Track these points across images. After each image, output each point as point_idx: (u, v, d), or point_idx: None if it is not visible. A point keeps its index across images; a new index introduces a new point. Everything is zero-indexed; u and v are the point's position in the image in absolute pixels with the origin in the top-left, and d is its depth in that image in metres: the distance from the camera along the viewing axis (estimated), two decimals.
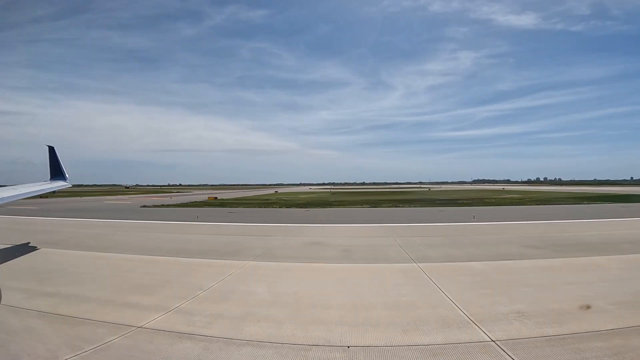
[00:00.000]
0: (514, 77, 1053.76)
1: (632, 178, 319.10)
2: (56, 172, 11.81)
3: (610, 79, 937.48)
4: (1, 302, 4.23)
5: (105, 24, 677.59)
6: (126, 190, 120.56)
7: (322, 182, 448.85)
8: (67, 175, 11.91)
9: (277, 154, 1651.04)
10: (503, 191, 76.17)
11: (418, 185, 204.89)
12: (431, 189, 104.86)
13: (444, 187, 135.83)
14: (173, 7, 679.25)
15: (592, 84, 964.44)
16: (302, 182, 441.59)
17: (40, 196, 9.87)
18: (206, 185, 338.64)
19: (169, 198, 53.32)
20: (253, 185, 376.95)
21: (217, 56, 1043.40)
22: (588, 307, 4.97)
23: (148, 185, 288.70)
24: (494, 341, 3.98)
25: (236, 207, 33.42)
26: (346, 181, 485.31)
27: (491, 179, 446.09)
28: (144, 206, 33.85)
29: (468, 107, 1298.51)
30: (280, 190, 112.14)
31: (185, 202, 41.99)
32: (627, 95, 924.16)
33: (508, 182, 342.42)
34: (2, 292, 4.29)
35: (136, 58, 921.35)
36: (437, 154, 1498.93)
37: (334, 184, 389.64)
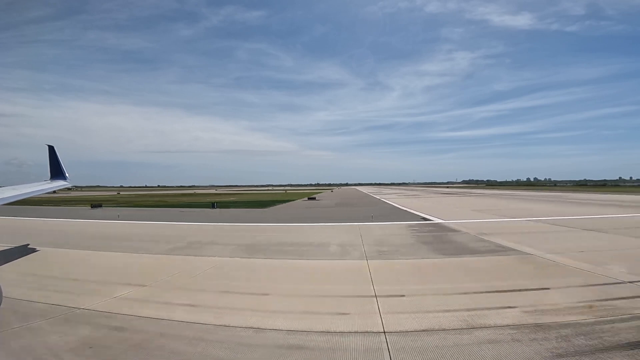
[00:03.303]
0: (511, 78, 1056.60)
1: (620, 178, 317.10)
2: (56, 171, 11.84)
3: (607, 79, 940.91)
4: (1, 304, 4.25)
5: (102, 25, 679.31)
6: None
7: (310, 183, 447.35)
8: (67, 175, 11.93)
9: (275, 155, 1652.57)
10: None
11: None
12: (287, 191, 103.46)
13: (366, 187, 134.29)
14: (169, 8, 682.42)
15: (588, 84, 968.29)
16: (296, 184, 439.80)
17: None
18: (194, 186, 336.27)
19: None
20: (243, 186, 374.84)
21: (214, 57, 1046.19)
22: None
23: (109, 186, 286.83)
24: None
25: None
26: (347, 182, 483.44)
27: (480, 179, 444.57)
28: None
29: (465, 108, 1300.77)
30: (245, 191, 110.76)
31: None
32: (623, 95, 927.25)
33: (488, 182, 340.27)
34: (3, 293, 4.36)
35: (133, 59, 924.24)
36: (435, 154, 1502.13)
37: (318, 184, 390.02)
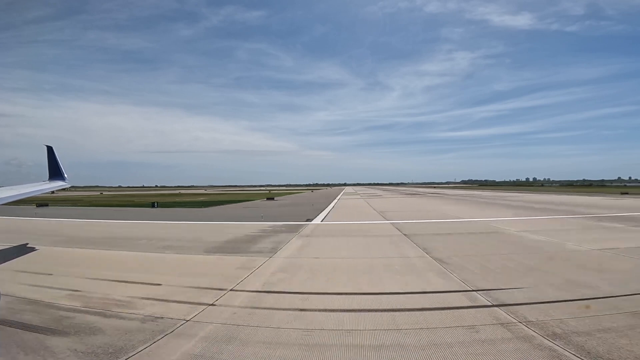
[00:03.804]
0: (511, 78, 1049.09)
1: (619, 178, 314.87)
2: (55, 172, 11.88)
3: (607, 79, 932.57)
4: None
5: (102, 25, 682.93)
6: None
7: (309, 183, 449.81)
8: (65, 176, 11.99)
9: (275, 155, 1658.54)
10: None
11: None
12: (270, 191, 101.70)
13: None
14: (169, 8, 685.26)
15: (588, 84, 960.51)
16: (295, 184, 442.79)
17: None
18: (187, 186, 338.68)
19: None
20: (238, 186, 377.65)
21: (214, 57, 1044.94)
22: None
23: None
24: None
25: None
26: (345, 182, 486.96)
27: (480, 179, 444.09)
28: None
29: (465, 108, 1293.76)
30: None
31: None
32: (623, 95, 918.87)
33: (481, 183, 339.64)
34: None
35: (133, 59, 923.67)
36: (435, 154, 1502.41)
37: (317, 184, 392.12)
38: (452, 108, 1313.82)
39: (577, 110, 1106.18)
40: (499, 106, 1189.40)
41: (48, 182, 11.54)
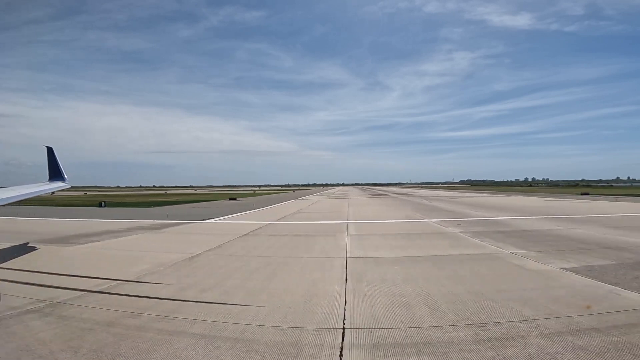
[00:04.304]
0: (511, 78, 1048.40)
1: (617, 177, 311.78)
2: (55, 173, 12.10)
3: (607, 79, 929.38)
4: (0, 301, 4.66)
5: (102, 25, 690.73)
6: None
7: (308, 183, 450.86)
8: (65, 176, 12.24)
9: (275, 155, 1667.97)
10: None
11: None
12: (255, 192, 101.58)
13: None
14: (169, 8, 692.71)
15: (588, 84, 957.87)
16: (294, 183, 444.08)
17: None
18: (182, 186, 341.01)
19: None
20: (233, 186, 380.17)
21: (214, 57, 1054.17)
22: None
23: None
24: None
25: None
26: (343, 182, 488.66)
27: (479, 179, 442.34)
28: None
29: (465, 108, 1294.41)
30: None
31: None
32: (623, 95, 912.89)
33: (474, 183, 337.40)
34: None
35: (133, 59, 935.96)
36: (435, 154, 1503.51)
37: (315, 184, 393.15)
38: (452, 108, 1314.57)
39: (577, 110, 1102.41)
40: (499, 106, 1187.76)
41: (48, 183, 11.73)
